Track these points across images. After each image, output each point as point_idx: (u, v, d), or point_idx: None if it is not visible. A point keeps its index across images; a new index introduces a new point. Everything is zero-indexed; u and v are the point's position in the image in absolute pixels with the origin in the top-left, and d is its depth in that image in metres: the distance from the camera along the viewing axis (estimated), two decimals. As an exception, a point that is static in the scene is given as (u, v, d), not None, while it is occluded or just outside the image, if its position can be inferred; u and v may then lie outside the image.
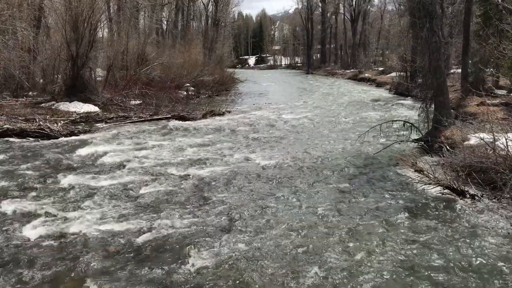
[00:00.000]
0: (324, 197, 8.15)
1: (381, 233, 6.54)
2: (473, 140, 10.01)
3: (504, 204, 7.42)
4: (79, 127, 14.76)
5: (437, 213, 7.26)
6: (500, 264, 5.56)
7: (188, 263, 5.63)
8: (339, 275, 5.33)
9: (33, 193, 8.16)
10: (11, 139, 12.88)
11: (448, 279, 5.23)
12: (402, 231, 6.61)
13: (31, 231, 6.52)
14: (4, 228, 6.60)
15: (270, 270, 5.47)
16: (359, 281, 5.20)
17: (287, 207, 7.60)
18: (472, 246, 6.04)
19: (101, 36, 27.42)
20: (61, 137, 13.32)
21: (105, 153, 11.34)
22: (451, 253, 5.85)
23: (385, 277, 5.29)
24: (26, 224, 6.76)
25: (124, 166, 10.13)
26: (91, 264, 5.61)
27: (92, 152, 11.42)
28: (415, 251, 5.94)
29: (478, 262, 5.62)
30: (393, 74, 31.16)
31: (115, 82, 21.85)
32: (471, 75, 19.67)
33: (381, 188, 8.56)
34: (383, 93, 27.51)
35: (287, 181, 9.12)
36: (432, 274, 5.34)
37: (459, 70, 22.13)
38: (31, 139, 13.04)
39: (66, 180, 8.94)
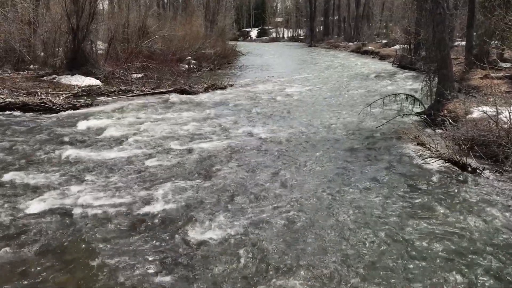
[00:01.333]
0: (326, 170, 8.19)
1: (381, 205, 6.59)
2: (476, 113, 9.98)
3: (506, 178, 7.45)
4: (81, 100, 14.73)
5: (438, 186, 7.31)
6: (501, 235, 5.62)
7: (190, 235, 5.70)
8: (338, 246, 5.40)
9: (36, 166, 8.22)
10: (14, 113, 12.88)
11: (448, 250, 5.30)
12: (402, 203, 6.67)
13: (35, 204, 6.59)
14: (7, 201, 6.67)
15: (271, 243, 5.54)
16: (357, 252, 5.28)
17: (289, 180, 7.65)
18: (472, 218, 6.10)
19: (101, 8, 27.10)
20: (63, 110, 13.31)
21: (107, 126, 11.35)
22: (451, 225, 5.91)
23: (384, 248, 5.37)
24: (29, 197, 6.83)
25: (126, 140, 10.16)
26: (94, 236, 5.69)
27: (94, 126, 11.44)
28: (415, 222, 6.00)
29: (478, 233, 5.68)
30: (397, 46, 30.82)
31: (116, 55, 21.67)
32: (475, 48, 19.43)
33: (383, 161, 8.59)
34: (386, 66, 27.28)
35: (289, 154, 9.15)
36: (432, 245, 5.41)
37: (464, 43, 21.84)
38: (33, 113, 13.04)
39: (69, 153, 8.98)
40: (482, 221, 6.03)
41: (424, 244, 5.45)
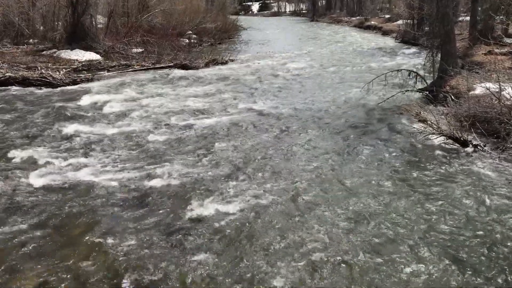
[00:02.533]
0: (327, 146, 8.20)
1: (382, 181, 6.62)
2: (478, 89, 9.91)
3: (507, 154, 7.45)
4: (82, 75, 14.63)
5: (439, 162, 7.32)
6: (500, 211, 5.66)
7: (193, 210, 5.75)
8: (338, 221, 5.45)
9: (38, 141, 8.23)
10: (14, 88, 12.83)
11: (447, 224, 5.34)
12: (403, 179, 6.69)
13: (37, 179, 6.62)
14: (10, 176, 6.70)
15: (273, 217, 5.59)
16: (357, 227, 5.32)
17: (291, 156, 7.67)
18: (472, 193, 6.13)
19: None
20: (64, 85, 13.25)
21: (108, 101, 11.31)
22: (451, 201, 5.94)
23: (383, 223, 5.41)
24: (31, 172, 6.85)
25: (127, 115, 10.15)
26: (97, 210, 5.74)
27: (95, 101, 11.40)
28: (414, 198, 6.04)
29: (477, 209, 5.71)
30: (400, 21, 30.40)
31: (116, 30, 21.43)
32: (480, 23, 19.16)
33: (383, 138, 8.59)
34: (389, 41, 27.00)
35: (290, 130, 9.14)
36: (431, 220, 5.46)
37: (468, 18, 21.56)
38: (34, 87, 12.98)
39: (70, 128, 8.98)
40: (481, 196, 6.06)
41: (421, 217, 5.49)
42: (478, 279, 4.40)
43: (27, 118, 9.76)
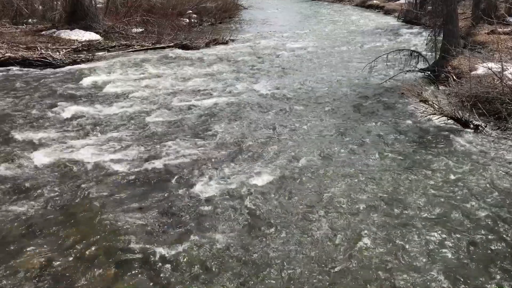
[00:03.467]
0: (328, 125, 8.21)
1: (382, 160, 6.65)
2: (480, 69, 9.86)
3: (508, 135, 7.46)
4: (82, 55, 14.54)
5: (439, 142, 7.34)
6: (500, 192, 5.69)
7: (194, 191, 5.79)
8: (337, 199, 5.49)
9: (39, 122, 8.24)
10: (14, 68, 12.76)
11: (447, 203, 5.38)
12: (404, 158, 6.72)
13: (38, 160, 6.65)
14: (11, 156, 6.73)
15: (274, 197, 5.63)
16: (356, 203, 5.37)
17: (292, 136, 7.69)
18: (472, 174, 6.16)
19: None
20: (64, 66, 13.18)
21: (109, 82, 11.28)
22: (451, 180, 5.98)
23: (381, 200, 5.45)
24: (33, 153, 6.88)
25: (128, 96, 10.13)
26: (99, 191, 5.79)
27: (95, 81, 11.36)
28: (415, 177, 6.07)
29: (478, 189, 5.75)
30: (402, 0, 30.05)
31: (116, 9, 21.19)
32: (483, 2, 18.95)
33: (385, 118, 8.59)
34: (391, 21, 26.71)
35: (292, 110, 9.14)
36: (430, 199, 5.50)
37: (471, -3, 21.29)
38: (34, 68, 12.91)
39: (71, 109, 8.98)
40: (480, 175, 6.10)
41: (420, 195, 5.53)
42: (476, 255, 4.46)
43: (28, 98, 9.75)
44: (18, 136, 7.53)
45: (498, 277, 4.19)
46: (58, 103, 9.35)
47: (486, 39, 14.65)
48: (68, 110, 8.91)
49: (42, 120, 8.38)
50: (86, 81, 11.37)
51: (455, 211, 5.26)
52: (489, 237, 4.79)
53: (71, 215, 5.22)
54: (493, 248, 4.62)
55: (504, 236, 4.81)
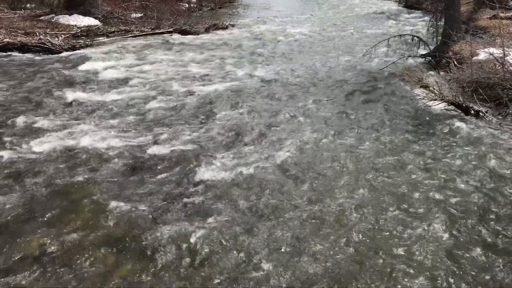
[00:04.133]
0: (329, 111, 8.20)
1: (381, 146, 6.65)
2: (482, 55, 9.81)
3: (508, 121, 7.45)
4: (81, 41, 14.44)
5: (439, 128, 7.33)
6: (500, 176, 5.70)
7: (195, 176, 5.79)
8: (336, 183, 5.51)
9: (38, 108, 8.21)
10: (12, 53, 12.70)
11: (447, 189, 5.39)
12: (403, 143, 6.72)
13: (39, 145, 6.65)
14: (11, 142, 6.72)
15: (274, 184, 5.64)
16: (354, 192, 5.38)
17: (292, 123, 7.68)
18: (471, 159, 6.16)
19: None
20: (63, 51, 13.11)
21: (108, 68, 11.23)
22: (450, 166, 5.98)
23: (380, 184, 5.46)
24: (33, 138, 6.87)
25: (127, 82, 10.09)
26: (99, 176, 5.79)
27: (95, 67, 11.30)
28: (414, 163, 6.08)
29: (478, 175, 5.75)
30: (404, -15, 29.74)
31: (115, -6, 21.03)
32: (485, -14, 18.77)
33: (384, 103, 8.57)
34: (392, 5, 26.49)
35: (292, 97, 9.11)
36: (428, 182, 5.51)
37: (473, -19, 21.06)
38: (32, 53, 12.85)
39: (71, 95, 8.95)
40: (480, 162, 6.10)
41: (419, 179, 5.54)
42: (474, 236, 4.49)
43: (27, 84, 9.70)
44: (17, 121, 7.50)
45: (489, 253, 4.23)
46: (58, 89, 9.31)
47: (488, 24, 14.53)
48: (68, 96, 8.88)
49: (42, 105, 8.35)
50: (85, 67, 11.31)
51: (451, 194, 5.28)
52: (483, 217, 4.81)
53: (71, 201, 5.23)
54: (484, 227, 4.64)
55: (496, 216, 4.83)
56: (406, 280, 4.02)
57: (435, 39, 12.29)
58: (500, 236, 4.59)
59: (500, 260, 4.24)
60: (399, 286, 3.95)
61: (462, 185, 5.53)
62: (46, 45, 13.21)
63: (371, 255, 4.34)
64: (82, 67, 11.33)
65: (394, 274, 4.08)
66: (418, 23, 18.54)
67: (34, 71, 10.92)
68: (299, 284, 3.99)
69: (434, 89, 8.35)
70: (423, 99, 8.37)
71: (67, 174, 5.83)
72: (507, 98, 7.72)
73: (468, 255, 4.31)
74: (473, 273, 4.09)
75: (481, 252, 4.34)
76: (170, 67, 11.54)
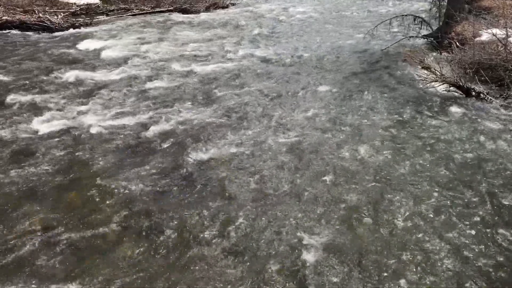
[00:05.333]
0: (329, 92, 8.17)
1: (382, 126, 6.65)
2: (485, 36, 9.71)
3: (510, 102, 7.42)
4: (80, 19, 14.31)
5: (440, 109, 7.30)
6: (500, 156, 5.71)
7: (195, 155, 5.81)
8: (335, 165, 5.52)
9: (38, 87, 8.19)
10: (11, 32, 12.61)
11: (446, 171, 5.41)
12: (403, 124, 6.71)
13: (39, 125, 6.66)
14: (12, 121, 6.73)
15: (273, 162, 5.66)
16: (355, 169, 5.40)
17: (293, 103, 7.66)
18: (472, 141, 6.16)
19: None
20: (62, 30, 13.01)
21: (108, 47, 11.15)
22: (451, 148, 5.98)
23: (380, 166, 5.48)
24: (33, 118, 6.88)
25: (127, 61, 10.02)
26: (101, 155, 5.81)
27: (94, 46, 11.22)
28: (414, 143, 6.08)
29: (478, 156, 5.76)
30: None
31: (114, -29, 20.75)
32: (490, -34, 18.49)
33: (386, 84, 8.53)
34: (395, -15, 26.17)
35: (293, 77, 9.07)
36: (428, 160, 5.53)
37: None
38: (32, 32, 12.74)
39: (70, 74, 8.91)
40: (480, 142, 6.10)
41: (420, 158, 5.56)
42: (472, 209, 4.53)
43: (26, 63, 9.65)
44: (17, 101, 7.49)
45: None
46: (57, 68, 9.26)
47: (492, 4, 14.35)
48: (68, 75, 8.84)
49: (41, 85, 8.32)
50: (85, 46, 11.24)
51: (448, 172, 5.30)
52: (478, 194, 4.84)
53: (72, 180, 5.26)
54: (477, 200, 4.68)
55: (489, 193, 4.86)
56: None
57: (437, 20, 12.17)
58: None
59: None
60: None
61: (460, 162, 5.55)
62: (45, 23, 13.11)
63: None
64: (82, 45, 11.25)
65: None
66: (421, 3, 18.34)
67: (33, 50, 10.84)
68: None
69: (435, 70, 8.30)
70: (424, 80, 8.33)
71: (68, 153, 5.85)
72: (509, 79, 7.68)
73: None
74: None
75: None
76: (170, 46, 11.46)
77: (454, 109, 7.27)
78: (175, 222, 4.52)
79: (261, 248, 4.18)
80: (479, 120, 6.84)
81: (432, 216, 4.63)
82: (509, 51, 8.08)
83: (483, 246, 4.19)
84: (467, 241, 4.25)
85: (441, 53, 10.09)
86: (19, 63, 9.63)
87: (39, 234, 4.35)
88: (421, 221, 4.54)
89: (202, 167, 5.57)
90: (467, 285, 3.77)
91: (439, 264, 3.98)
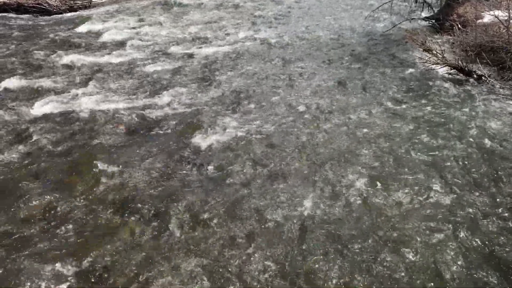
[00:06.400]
0: (330, 74, 8.13)
1: (383, 108, 6.63)
2: (487, 18, 9.63)
3: (511, 84, 7.39)
4: (78, 2, 14.14)
5: (441, 91, 7.28)
6: (500, 138, 5.71)
7: (195, 138, 5.80)
8: (335, 144, 5.53)
9: (37, 71, 8.15)
10: (9, 15, 12.49)
11: (446, 150, 5.42)
12: (404, 107, 6.69)
13: (39, 108, 6.66)
14: (11, 105, 6.71)
15: (272, 145, 5.66)
16: (355, 152, 5.41)
17: (293, 86, 7.62)
18: (473, 122, 6.16)
19: None
20: (61, 12, 12.89)
21: (107, 29, 11.06)
22: (450, 130, 5.98)
23: (380, 149, 5.49)
24: (33, 101, 6.87)
25: (126, 44, 9.96)
26: (101, 139, 5.81)
27: (93, 29, 11.14)
28: (414, 125, 6.08)
29: (477, 138, 5.76)
30: None
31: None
32: None
33: (387, 67, 8.48)
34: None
35: (293, 59, 9.01)
36: (428, 140, 5.54)
37: None
38: (29, 14, 12.62)
39: (69, 57, 8.85)
40: (480, 124, 6.10)
41: (420, 139, 5.56)
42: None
43: (25, 46, 9.59)
44: (16, 84, 7.46)
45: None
46: (56, 51, 9.20)
47: (494, -14, 14.20)
48: (67, 58, 8.79)
49: (40, 68, 8.28)
50: (84, 29, 11.16)
51: (446, 152, 5.31)
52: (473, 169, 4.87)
53: (72, 163, 5.26)
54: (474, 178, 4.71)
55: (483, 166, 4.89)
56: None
57: (439, 1, 12.05)
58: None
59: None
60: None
61: (460, 143, 5.55)
62: (43, 5, 12.98)
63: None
64: (80, 28, 11.17)
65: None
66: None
67: (31, 32, 10.77)
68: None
69: (437, 52, 8.25)
70: (426, 62, 8.28)
71: (68, 137, 5.84)
72: (511, 61, 7.63)
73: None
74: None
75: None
76: (169, 29, 11.36)
77: (455, 91, 7.23)
78: (176, 204, 4.54)
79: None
80: (479, 102, 6.82)
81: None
82: (511, 33, 8.02)
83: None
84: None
85: (442, 35, 10.02)
86: (16, 46, 9.57)
87: (40, 215, 4.37)
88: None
89: (203, 150, 5.56)
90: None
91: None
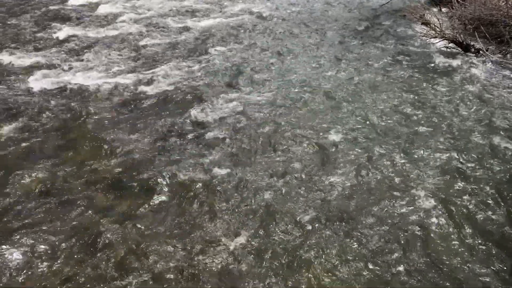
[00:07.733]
0: (328, 48, 8.07)
1: (380, 83, 6.62)
2: (486, -10, 9.50)
3: (508, 58, 7.35)
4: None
5: (439, 66, 7.26)
6: (499, 111, 5.71)
7: (191, 116, 5.76)
8: (335, 124, 5.53)
9: (31, 45, 8.04)
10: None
11: (445, 127, 5.43)
12: (401, 81, 6.68)
13: (34, 83, 6.59)
14: (6, 80, 6.65)
15: (269, 124, 5.65)
16: (356, 124, 5.42)
17: (290, 60, 7.57)
18: (470, 97, 6.15)
19: None
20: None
21: (101, 2, 10.86)
22: (448, 105, 5.98)
23: (380, 123, 5.49)
24: (27, 76, 6.80)
25: (121, 17, 9.80)
26: (95, 114, 5.78)
27: (87, 2, 10.93)
28: (411, 100, 6.08)
29: (476, 113, 5.76)
30: None
31: None
32: None
33: (384, 41, 8.41)
34: None
35: (290, 34, 8.91)
36: (428, 124, 5.54)
37: None
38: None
39: (63, 31, 8.72)
40: (478, 98, 6.10)
41: (418, 113, 5.56)
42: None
43: (18, 19, 9.41)
44: (9, 59, 7.37)
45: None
46: (48, 26, 9.04)
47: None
48: (60, 32, 8.66)
49: (33, 42, 8.16)
50: (77, 1, 10.95)
51: (452, 129, 5.33)
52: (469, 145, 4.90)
53: (68, 138, 5.24)
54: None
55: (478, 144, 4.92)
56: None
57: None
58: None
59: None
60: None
61: (460, 117, 5.56)
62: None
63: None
64: (74, 1, 10.96)
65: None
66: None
67: (22, 6, 10.54)
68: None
69: (435, 26, 8.17)
70: (424, 36, 8.22)
71: (63, 112, 5.80)
72: (509, 35, 7.57)
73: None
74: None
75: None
76: (166, 2, 11.17)
77: (453, 65, 7.21)
78: (172, 179, 4.55)
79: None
80: (477, 76, 6.80)
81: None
82: (510, 6, 7.92)
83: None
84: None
85: (441, 9, 9.90)
86: (9, 20, 9.40)
87: (37, 191, 4.37)
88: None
89: (198, 125, 5.55)
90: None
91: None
